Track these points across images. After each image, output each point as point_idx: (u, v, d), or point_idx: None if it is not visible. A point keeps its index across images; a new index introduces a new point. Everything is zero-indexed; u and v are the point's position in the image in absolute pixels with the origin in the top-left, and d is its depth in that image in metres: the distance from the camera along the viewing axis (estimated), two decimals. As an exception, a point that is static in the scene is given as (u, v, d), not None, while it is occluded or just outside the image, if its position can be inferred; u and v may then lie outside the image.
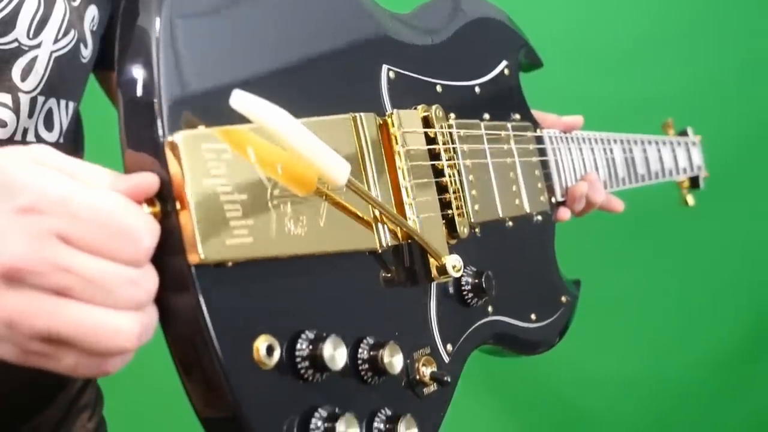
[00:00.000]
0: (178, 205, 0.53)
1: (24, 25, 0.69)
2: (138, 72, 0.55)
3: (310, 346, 0.59)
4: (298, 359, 0.59)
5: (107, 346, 0.49)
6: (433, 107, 0.77)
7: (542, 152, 0.97)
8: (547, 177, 0.96)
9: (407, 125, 0.73)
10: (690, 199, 1.53)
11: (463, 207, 0.78)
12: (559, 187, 0.98)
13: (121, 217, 0.50)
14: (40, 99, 0.71)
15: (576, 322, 2.09)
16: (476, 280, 0.77)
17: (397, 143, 0.72)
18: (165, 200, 0.54)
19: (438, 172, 0.76)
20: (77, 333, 0.49)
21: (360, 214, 0.66)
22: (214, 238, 0.54)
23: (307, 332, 0.60)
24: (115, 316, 0.49)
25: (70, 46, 0.73)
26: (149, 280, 0.52)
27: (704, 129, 1.54)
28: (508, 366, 1.97)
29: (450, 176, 0.77)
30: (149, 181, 0.53)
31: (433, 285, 0.74)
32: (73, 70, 0.75)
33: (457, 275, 0.72)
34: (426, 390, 0.71)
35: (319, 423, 0.59)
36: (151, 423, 1.75)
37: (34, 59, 0.70)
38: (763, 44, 2.20)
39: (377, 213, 0.67)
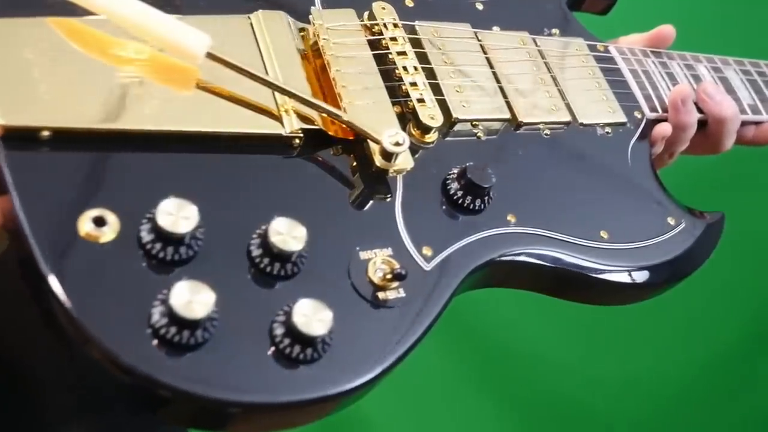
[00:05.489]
0: None
1: None
2: None
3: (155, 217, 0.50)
4: (144, 232, 0.50)
5: None
6: (376, 3, 0.68)
7: (607, 62, 0.79)
8: (622, 86, 0.78)
9: (332, 21, 0.66)
10: None
11: (431, 100, 0.65)
12: (644, 100, 0.78)
13: None
14: None
15: (576, 322, 1.83)
16: (461, 175, 0.62)
17: (318, 38, 0.64)
18: None
19: (386, 66, 0.66)
20: None
21: (252, 99, 0.59)
22: (18, 105, 0.51)
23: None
24: None
25: None
26: None
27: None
28: (507, 366, 1.93)
29: (404, 68, 0.65)
30: None
31: (399, 183, 0.61)
32: None
33: (400, 150, 0.58)
34: (383, 295, 0.56)
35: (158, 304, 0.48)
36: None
37: None
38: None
39: (282, 101, 0.59)
